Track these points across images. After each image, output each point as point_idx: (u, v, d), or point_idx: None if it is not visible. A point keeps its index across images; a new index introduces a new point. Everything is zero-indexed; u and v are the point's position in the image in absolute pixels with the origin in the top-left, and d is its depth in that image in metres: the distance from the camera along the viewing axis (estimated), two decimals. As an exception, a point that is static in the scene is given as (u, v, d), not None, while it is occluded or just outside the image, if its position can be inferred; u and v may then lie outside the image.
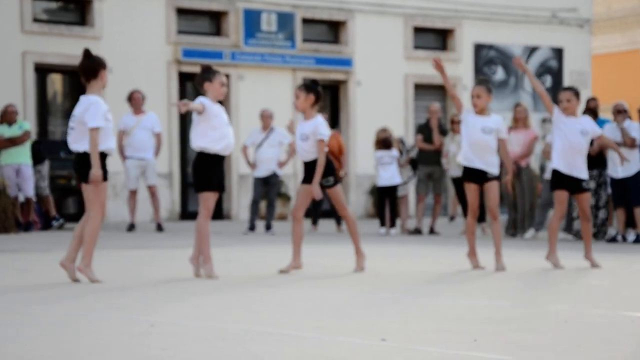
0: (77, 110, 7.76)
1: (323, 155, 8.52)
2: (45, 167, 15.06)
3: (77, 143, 7.74)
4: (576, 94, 9.21)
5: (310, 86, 8.55)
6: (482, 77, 9.14)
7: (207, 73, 8.08)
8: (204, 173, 8.01)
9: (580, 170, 9.14)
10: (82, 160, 7.72)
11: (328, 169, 8.60)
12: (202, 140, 7.99)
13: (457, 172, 14.41)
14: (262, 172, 14.47)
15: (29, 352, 4.61)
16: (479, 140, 8.85)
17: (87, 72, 7.79)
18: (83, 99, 7.81)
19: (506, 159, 9.03)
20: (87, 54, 7.86)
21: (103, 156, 7.72)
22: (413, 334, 5.15)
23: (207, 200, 8.02)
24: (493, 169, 8.93)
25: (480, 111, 8.93)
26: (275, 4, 19.15)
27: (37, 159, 14.82)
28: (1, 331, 5.25)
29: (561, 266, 9.06)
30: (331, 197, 8.78)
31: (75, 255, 7.78)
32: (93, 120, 7.60)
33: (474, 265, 9.05)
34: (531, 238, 13.71)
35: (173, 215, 18.17)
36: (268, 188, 14.68)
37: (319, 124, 8.51)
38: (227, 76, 18.81)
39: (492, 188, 8.91)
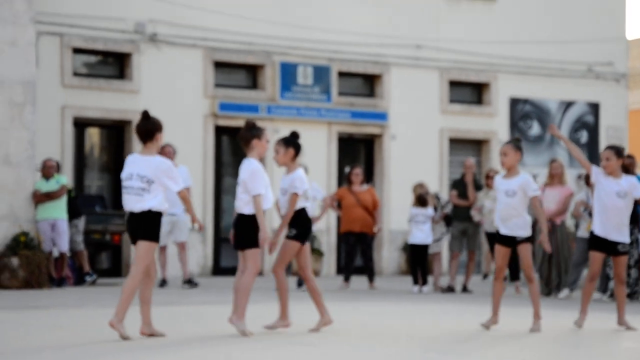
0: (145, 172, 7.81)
1: (292, 209, 8.39)
2: (81, 222, 15.16)
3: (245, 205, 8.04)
4: (617, 152, 9.14)
5: (289, 140, 8.46)
6: (516, 135, 9.11)
7: (256, 130, 8.12)
8: (248, 231, 8.04)
9: (616, 232, 9.04)
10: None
11: (298, 222, 8.44)
12: (247, 207, 8.03)
13: (491, 228, 14.35)
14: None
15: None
16: (504, 202, 8.83)
17: (143, 133, 7.90)
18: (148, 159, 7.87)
19: (541, 217, 8.96)
20: (145, 115, 7.96)
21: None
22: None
23: (254, 257, 8.06)
24: (522, 231, 8.85)
25: (508, 170, 8.88)
26: (311, 57, 19.29)
27: (74, 214, 14.93)
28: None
29: (579, 326, 8.99)
30: (283, 250, 8.46)
31: (148, 317, 7.84)
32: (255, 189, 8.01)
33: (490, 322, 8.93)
34: (565, 298, 13.55)
35: (205, 270, 18.20)
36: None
37: (296, 177, 8.40)
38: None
39: (523, 250, 8.85)
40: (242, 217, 8.06)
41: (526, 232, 8.89)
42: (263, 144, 8.07)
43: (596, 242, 9.09)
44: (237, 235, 8.12)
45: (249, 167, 8.02)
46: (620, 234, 9.06)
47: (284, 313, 8.41)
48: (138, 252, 7.82)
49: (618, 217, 9.05)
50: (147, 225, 7.73)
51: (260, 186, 7.98)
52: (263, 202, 8.00)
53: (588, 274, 9.14)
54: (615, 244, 9.06)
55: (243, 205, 8.05)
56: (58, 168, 14.95)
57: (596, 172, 9.09)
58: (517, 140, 9.03)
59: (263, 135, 8.07)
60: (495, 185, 9.01)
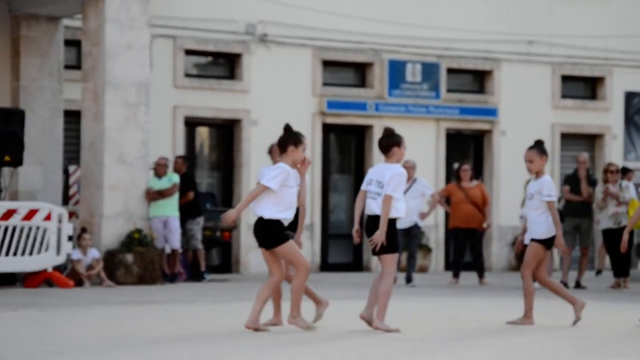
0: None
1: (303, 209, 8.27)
2: (201, 220, 15.42)
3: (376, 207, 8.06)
4: None
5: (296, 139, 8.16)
6: (538, 139, 8.86)
7: (397, 137, 8.20)
8: (386, 237, 8.10)
9: None
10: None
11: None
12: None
13: (608, 224, 14.10)
14: (404, 223, 14.46)
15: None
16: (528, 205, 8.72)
17: (279, 145, 8.13)
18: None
19: (555, 221, 8.64)
20: (286, 127, 8.15)
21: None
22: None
23: (390, 262, 8.18)
24: (538, 233, 8.64)
25: (536, 174, 8.70)
26: (420, 54, 19.24)
27: (195, 212, 15.22)
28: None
29: None
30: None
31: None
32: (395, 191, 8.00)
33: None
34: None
35: (313, 266, 18.31)
36: (409, 239, 14.68)
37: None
38: (371, 127, 18.95)
39: (530, 248, 8.72)
40: (376, 220, 8.07)
41: (540, 235, 8.64)
42: (402, 151, 8.20)
43: None
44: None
45: (394, 170, 8.08)
46: None
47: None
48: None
49: None
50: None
51: (398, 191, 8.04)
52: (394, 207, 8.01)
53: None
54: None
55: (377, 207, 8.08)
56: (188, 165, 15.21)
57: None
58: (541, 144, 8.80)
59: (402, 143, 8.19)
60: (527, 189, 8.86)
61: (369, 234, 8.20)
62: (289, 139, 8.05)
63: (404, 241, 14.61)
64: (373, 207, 8.14)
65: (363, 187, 8.27)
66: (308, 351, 6.97)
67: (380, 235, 7.99)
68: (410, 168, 14.79)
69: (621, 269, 14.38)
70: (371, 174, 8.12)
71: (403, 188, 8.16)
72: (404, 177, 8.11)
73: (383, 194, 8.06)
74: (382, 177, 8.08)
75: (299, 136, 8.08)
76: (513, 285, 14.59)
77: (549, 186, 8.70)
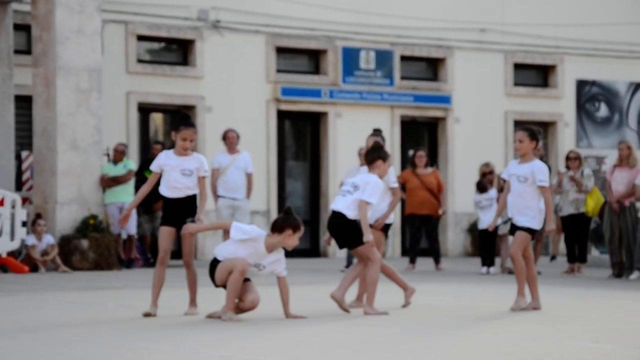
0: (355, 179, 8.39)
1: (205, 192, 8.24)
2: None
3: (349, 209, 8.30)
4: None
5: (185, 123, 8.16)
6: (532, 127, 8.88)
7: (382, 152, 8.49)
8: (351, 233, 8.31)
9: None
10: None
11: (195, 207, 8.18)
12: (350, 210, 8.28)
13: (569, 210, 14.23)
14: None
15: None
16: (515, 189, 8.65)
17: (367, 159, 8.54)
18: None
19: (548, 207, 8.66)
20: (376, 144, 8.76)
21: None
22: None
23: (367, 251, 8.35)
24: (527, 221, 8.61)
25: (523, 156, 8.65)
26: (373, 41, 19.27)
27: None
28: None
29: None
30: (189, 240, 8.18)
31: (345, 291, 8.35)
32: (370, 197, 8.23)
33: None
34: (636, 279, 13.41)
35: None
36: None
37: (203, 160, 8.21)
38: (326, 114, 18.98)
39: (518, 235, 8.68)
40: (343, 219, 8.28)
41: (530, 223, 8.61)
42: (385, 166, 8.47)
43: None
44: (339, 235, 8.38)
45: (371, 178, 8.37)
46: None
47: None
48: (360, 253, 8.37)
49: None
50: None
51: (374, 197, 8.26)
52: (369, 212, 8.30)
53: None
54: None
55: (345, 207, 8.28)
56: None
57: None
58: (534, 129, 8.80)
59: (388, 159, 8.48)
60: (507, 169, 8.81)
61: (330, 229, 8.40)
62: (378, 155, 8.47)
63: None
64: (339, 204, 8.37)
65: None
66: (280, 336, 6.96)
67: (367, 237, 8.24)
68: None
69: (579, 255, 14.53)
70: (348, 177, 8.49)
71: (377, 197, 8.30)
72: (381, 187, 8.37)
73: (355, 195, 8.26)
74: (359, 181, 8.37)
75: (386, 152, 8.53)
76: (468, 271, 14.72)
77: (543, 171, 8.66)
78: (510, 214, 8.77)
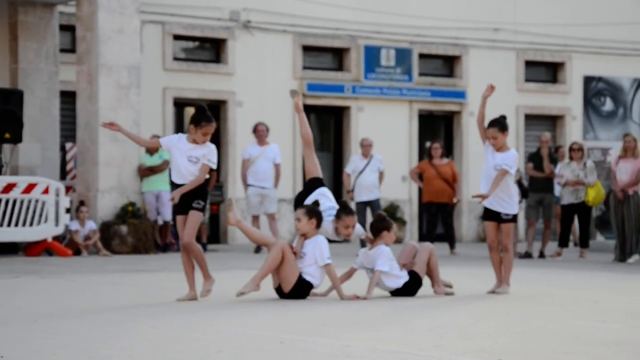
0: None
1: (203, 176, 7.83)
2: (208, 196, 15.24)
3: None
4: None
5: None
6: (501, 115, 8.79)
7: (387, 222, 8.25)
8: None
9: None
10: None
11: (202, 192, 7.90)
12: None
13: (570, 199, 14.16)
14: (367, 196, 14.69)
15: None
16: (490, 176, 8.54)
17: (373, 230, 8.29)
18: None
19: (494, 181, 8.48)
20: (379, 216, 8.39)
21: None
22: (530, 355, 5.06)
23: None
24: (506, 210, 8.55)
25: (499, 149, 8.61)
26: (393, 40, 19.20)
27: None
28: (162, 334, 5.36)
29: None
30: (190, 219, 7.86)
31: None
32: (382, 265, 8.07)
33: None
34: (635, 263, 13.35)
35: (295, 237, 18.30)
36: (372, 211, 14.78)
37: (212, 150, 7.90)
38: (348, 108, 18.95)
39: (505, 227, 8.59)
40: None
41: (510, 210, 8.58)
42: (391, 235, 8.24)
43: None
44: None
45: (380, 250, 8.12)
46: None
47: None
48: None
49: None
50: None
51: (385, 265, 8.06)
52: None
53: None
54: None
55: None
56: None
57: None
58: (503, 119, 8.68)
59: (392, 228, 8.24)
60: (487, 158, 8.69)
61: None
62: (383, 225, 8.22)
63: (364, 213, 14.69)
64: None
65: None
66: (306, 314, 6.95)
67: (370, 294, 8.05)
68: (367, 145, 15.07)
69: (581, 241, 14.50)
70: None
71: (388, 263, 8.12)
72: (389, 254, 8.17)
73: (371, 273, 8.13)
74: (371, 262, 8.13)
75: (390, 222, 8.26)
76: (481, 255, 14.66)
77: (512, 159, 8.60)
78: (487, 204, 8.64)
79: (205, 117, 7.82)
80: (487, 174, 8.61)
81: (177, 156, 7.81)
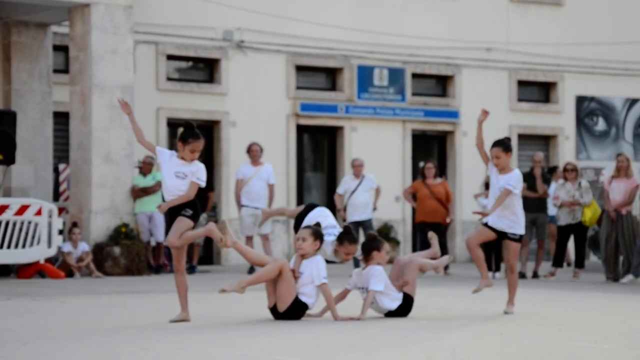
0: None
1: (193, 192, 7.76)
2: (204, 216, 15.23)
3: None
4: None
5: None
6: (504, 138, 8.83)
7: (377, 242, 8.22)
8: None
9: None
10: None
11: (191, 203, 7.79)
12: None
13: (566, 221, 14.17)
14: (359, 216, 14.70)
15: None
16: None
17: (364, 251, 8.27)
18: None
19: (497, 200, 8.50)
20: (370, 236, 8.39)
21: None
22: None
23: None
24: (513, 230, 8.60)
25: (502, 170, 8.62)
26: (387, 60, 19.26)
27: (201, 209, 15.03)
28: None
29: None
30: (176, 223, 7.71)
31: None
32: (376, 285, 8.03)
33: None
34: (629, 283, 13.35)
35: (290, 257, 18.27)
36: (365, 231, 14.80)
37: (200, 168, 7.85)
38: (342, 128, 18.97)
39: (512, 246, 8.66)
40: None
41: (518, 230, 8.63)
42: (382, 254, 8.20)
43: None
44: None
45: (373, 271, 8.09)
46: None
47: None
48: None
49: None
50: None
51: (380, 285, 8.02)
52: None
53: None
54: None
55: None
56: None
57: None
58: (507, 140, 8.74)
59: (382, 248, 8.20)
60: (491, 180, 8.72)
61: None
62: (373, 245, 8.18)
63: (357, 234, 14.69)
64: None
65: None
66: (298, 337, 6.93)
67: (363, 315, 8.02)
68: (358, 166, 15.10)
69: (576, 261, 14.51)
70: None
71: (383, 283, 8.11)
72: (382, 273, 8.13)
73: (366, 293, 8.10)
74: (365, 282, 8.12)
75: (381, 241, 8.23)
76: (476, 276, 14.63)
77: (516, 179, 8.63)
78: (491, 223, 8.66)
79: (192, 133, 7.80)
80: (494, 195, 8.63)
81: (165, 172, 7.81)
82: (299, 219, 8.35)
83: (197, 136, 7.80)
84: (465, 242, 8.69)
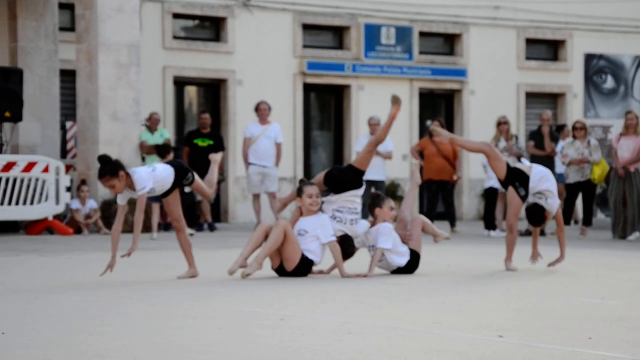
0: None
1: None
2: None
3: None
4: None
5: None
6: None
7: (378, 199, 8.17)
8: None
9: None
10: None
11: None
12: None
13: (575, 178, 14.12)
14: (371, 175, 14.63)
15: (170, 340, 4.70)
16: None
17: (370, 209, 8.20)
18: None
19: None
20: (372, 195, 8.37)
21: None
22: (529, 331, 5.04)
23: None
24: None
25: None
26: (394, 18, 19.12)
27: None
28: (157, 320, 5.36)
29: None
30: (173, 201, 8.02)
31: None
32: (385, 243, 8.02)
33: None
34: (636, 240, 13.34)
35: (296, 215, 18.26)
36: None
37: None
38: (349, 87, 18.89)
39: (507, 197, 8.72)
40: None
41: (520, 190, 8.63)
42: (385, 210, 8.13)
43: None
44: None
45: (385, 229, 8.05)
46: None
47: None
48: None
49: None
50: None
51: (388, 242, 7.99)
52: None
53: None
54: None
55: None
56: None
57: None
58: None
59: (384, 204, 8.13)
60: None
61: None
62: (374, 203, 8.13)
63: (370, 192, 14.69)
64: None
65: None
66: (305, 292, 6.94)
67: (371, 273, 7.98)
68: (375, 124, 14.98)
69: (584, 219, 14.48)
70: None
71: (392, 238, 8.06)
72: (390, 229, 8.08)
73: (373, 251, 8.06)
74: (373, 240, 8.07)
75: (383, 198, 8.16)
76: (482, 234, 14.65)
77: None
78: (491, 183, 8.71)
79: (99, 170, 7.58)
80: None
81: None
82: (332, 176, 8.22)
83: (101, 174, 7.56)
84: (507, 222, 8.60)
